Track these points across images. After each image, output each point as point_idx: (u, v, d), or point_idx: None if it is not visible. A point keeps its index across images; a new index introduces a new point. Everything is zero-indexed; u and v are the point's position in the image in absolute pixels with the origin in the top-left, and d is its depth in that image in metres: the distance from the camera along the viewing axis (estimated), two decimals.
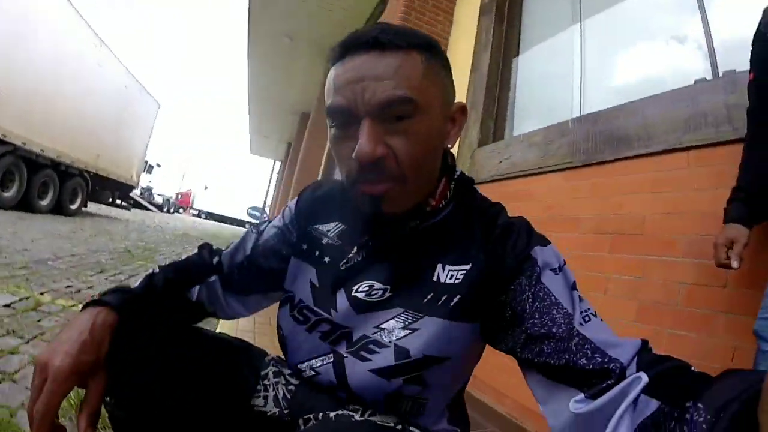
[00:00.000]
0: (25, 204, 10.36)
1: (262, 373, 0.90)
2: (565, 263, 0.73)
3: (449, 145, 0.80)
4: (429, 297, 0.75)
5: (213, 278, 0.97)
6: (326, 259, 0.86)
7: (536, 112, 3.06)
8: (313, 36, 8.87)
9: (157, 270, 0.96)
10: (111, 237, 9.39)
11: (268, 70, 11.51)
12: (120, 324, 0.79)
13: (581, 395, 0.59)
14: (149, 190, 31.95)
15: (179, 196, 47.02)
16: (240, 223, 47.09)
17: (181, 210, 45.75)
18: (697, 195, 1.58)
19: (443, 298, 0.74)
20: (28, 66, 9.45)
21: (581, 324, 0.63)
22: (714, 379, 0.51)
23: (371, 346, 0.76)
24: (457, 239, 0.78)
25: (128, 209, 18.59)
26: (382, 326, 0.76)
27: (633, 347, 0.60)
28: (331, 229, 0.89)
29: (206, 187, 51.48)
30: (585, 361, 0.60)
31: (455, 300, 0.73)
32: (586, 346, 0.61)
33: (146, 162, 19.52)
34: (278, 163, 25.98)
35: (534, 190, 2.30)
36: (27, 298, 3.53)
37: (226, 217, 47.71)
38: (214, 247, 1.06)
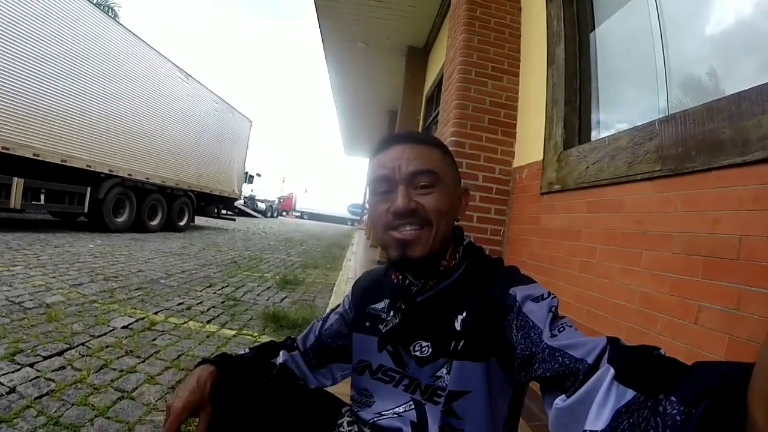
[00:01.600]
0: (138, 225, 11.60)
1: (338, 421, 1.11)
2: (549, 295, 0.86)
3: (459, 218, 1.04)
4: (453, 344, 0.93)
5: (294, 352, 1.24)
6: (382, 327, 1.09)
7: (621, 103, 2.84)
8: (387, 36, 8.92)
9: (247, 349, 1.22)
10: (218, 249, 9.95)
11: (349, 76, 11.74)
12: (219, 375, 1.04)
13: (563, 395, 0.67)
14: (252, 198, 33.33)
15: (281, 200, 48.78)
16: (342, 220, 48.33)
17: (284, 213, 47.49)
18: None
19: (460, 343, 0.92)
20: (127, 107, 10.51)
21: (552, 336, 0.75)
22: (685, 369, 0.56)
23: (438, 392, 0.94)
24: (465, 293, 0.97)
25: (233, 219, 19.59)
26: (437, 374, 0.95)
27: (600, 343, 0.68)
28: (383, 305, 1.12)
29: (306, 190, 53.17)
30: (557, 366, 0.70)
31: (462, 343, 0.92)
32: (556, 354, 0.72)
33: (246, 173, 20.53)
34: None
35: (624, 200, 2.11)
36: (143, 318, 3.79)
37: (328, 215, 49.05)
38: (291, 337, 1.32)
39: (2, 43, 7.60)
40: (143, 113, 11.22)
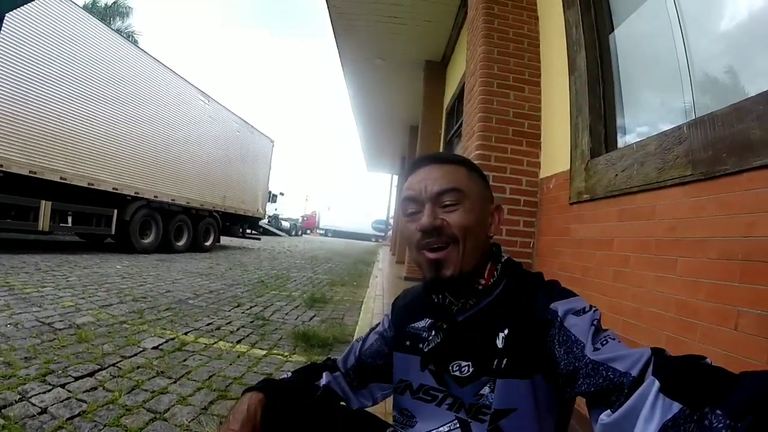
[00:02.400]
0: (164, 246, 11.88)
1: None
2: (591, 308, 0.87)
3: (491, 234, 1.05)
4: (496, 362, 0.93)
5: (336, 374, 1.24)
6: (424, 347, 1.10)
7: (645, 107, 2.80)
8: (404, 52, 9.01)
9: (290, 373, 1.23)
10: (245, 268, 10.05)
11: (368, 92, 11.87)
12: (267, 402, 1.03)
13: (608, 411, 0.67)
14: (276, 217, 33.69)
15: (305, 218, 49.16)
16: (366, 237, 48.40)
17: (308, 231, 47.82)
18: None
19: (503, 361, 0.92)
20: (151, 130, 10.92)
21: (595, 350, 0.75)
22: (732, 379, 0.56)
23: (483, 410, 0.94)
24: (506, 310, 0.97)
25: (258, 238, 19.83)
26: (480, 393, 0.95)
27: (644, 355, 0.68)
28: (425, 324, 1.13)
29: (329, 208, 53.45)
30: (601, 381, 0.70)
31: (505, 362, 0.91)
32: (600, 368, 0.72)
33: (270, 193, 20.79)
34: (395, 177, 26.64)
35: (656, 207, 2.07)
36: (173, 339, 3.84)
37: (352, 232, 49.15)
38: (331, 357, 1.35)
39: (30, 67, 7.88)
40: (167, 136, 11.54)
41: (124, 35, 12.55)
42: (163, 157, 11.47)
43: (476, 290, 1.03)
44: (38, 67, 7.99)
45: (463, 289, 1.02)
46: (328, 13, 7.69)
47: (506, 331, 0.94)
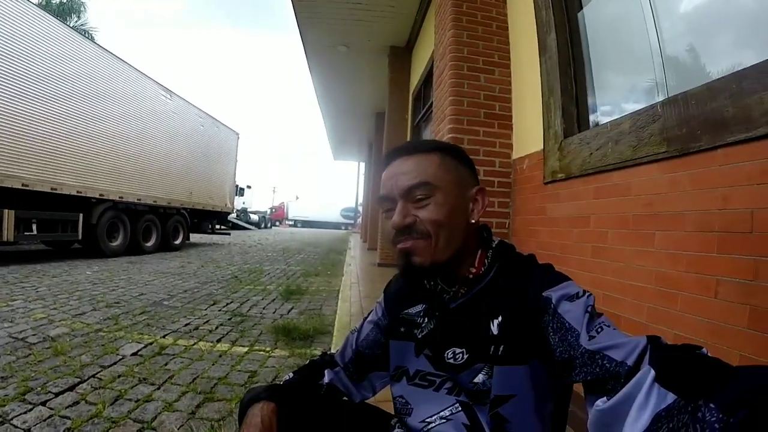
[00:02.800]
0: (133, 248, 11.63)
1: None
2: (585, 293, 0.86)
3: (473, 220, 1.00)
4: (492, 349, 0.93)
5: (337, 369, 1.23)
6: (418, 333, 1.09)
7: (620, 89, 2.85)
8: (368, 38, 8.97)
9: (291, 374, 1.21)
10: (217, 265, 9.99)
11: (332, 80, 11.79)
12: (280, 409, 1.01)
13: (604, 398, 0.68)
14: (244, 210, 33.34)
15: (273, 210, 48.81)
16: (336, 225, 48.34)
17: (277, 223, 47.47)
18: None
19: (499, 348, 0.91)
20: (113, 128, 10.60)
21: (591, 338, 0.75)
22: (728, 372, 0.56)
23: (482, 396, 0.94)
24: (499, 296, 0.96)
25: (228, 233, 19.67)
26: (475, 381, 0.95)
27: (640, 343, 0.68)
28: (419, 310, 1.11)
29: (297, 197, 53.16)
30: (597, 370, 0.71)
31: (502, 348, 0.91)
32: (596, 357, 0.72)
33: (237, 186, 20.56)
34: (362, 164, 26.63)
35: (632, 184, 2.13)
36: (151, 343, 3.77)
37: (322, 222, 49.05)
38: (327, 352, 1.34)
39: None
40: (129, 134, 11.25)
41: (80, 32, 12.13)
42: (126, 156, 11.19)
43: (467, 279, 1.01)
44: None
45: (451, 277, 1.01)
46: (291, 2, 7.60)
47: (500, 318, 0.93)
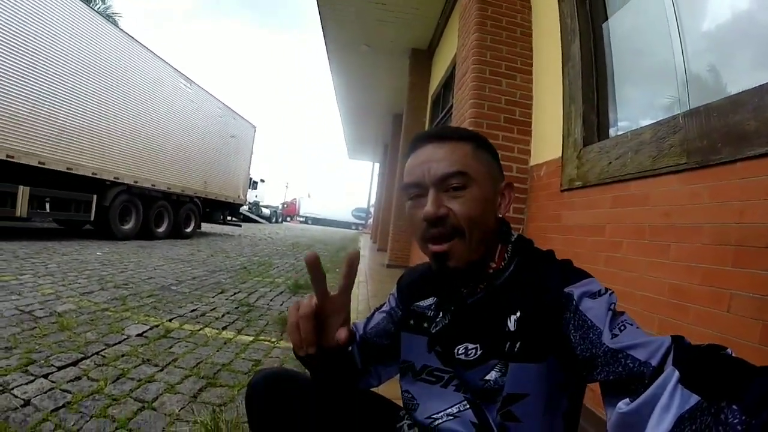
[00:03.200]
0: (144, 233, 11.71)
1: (398, 425, 1.11)
2: (607, 291, 0.83)
3: (500, 215, 0.98)
4: (507, 346, 0.88)
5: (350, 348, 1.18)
6: (432, 328, 1.05)
7: (641, 101, 2.85)
8: (390, 39, 9.01)
9: None
10: (227, 255, 10.03)
11: (352, 79, 11.83)
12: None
13: (627, 399, 0.65)
14: (257, 204, 33.46)
15: (285, 205, 48.93)
16: (346, 225, 48.43)
17: (288, 219, 47.63)
18: None
19: (514, 345, 0.87)
20: (132, 114, 10.69)
21: (613, 336, 0.72)
22: (752, 373, 0.55)
23: (493, 394, 0.90)
24: (518, 292, 0.92)
25: (239, 225, 19.74)
26: (486, 378, 0.91)
27: (664, 343, 0.66)
28: (430, 303, 1.09)
29: (309, 195, 53.25)
30: (620, 369, 0.68)
31: (518, 346, 0.87)
32: (619, 356, 0.69)
33: (251, 179, 20.65)
34: (377, 165, 26.65)
35: (650, 194, 2.13)
36: (157, 326, 3.79)
37: (332, 220, 49.09)
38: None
39: (5, 47, 7.64)
40: (148, 120, 11.35)
41: (104, 16, 12.24)
42: (143, 141, 11.27)
43: (487, 274, 0.97)
44: (14, 47, 7.74)
45: (470, 276, 0.98)
46: (315, 0, 7.64)
47: (518, 314, 0.89)
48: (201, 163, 14.30)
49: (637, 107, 2.84)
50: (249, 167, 18.64)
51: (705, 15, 2.29)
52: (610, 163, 2.48)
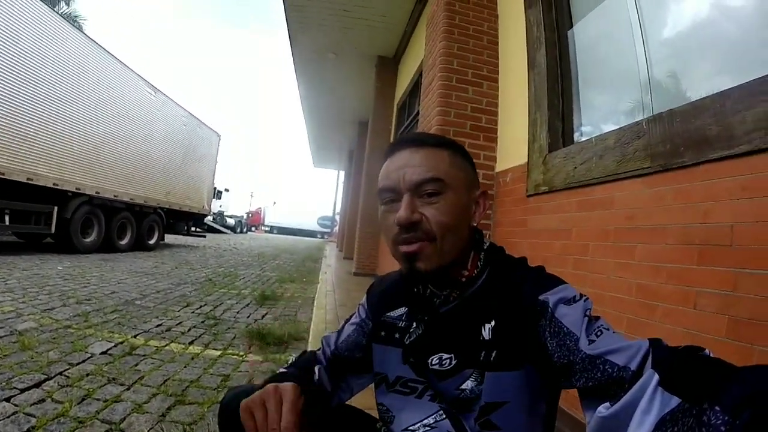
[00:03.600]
0: (107, 245, 11.35)
1: None
2: (582, 296, 0.84)
3: (474, 224, 0.99)
4: (483, 355, 0.89)
5: (320, 366, 1.15)
6: (405, 339, 1.04)
7: (605, 107, 2.92)
8: (357, 47, 9.05)
9: (287, 367, 1.13)
10: (191, 267, 9.82)
11: (318, 86, 11.81)
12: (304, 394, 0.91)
13: (607, 403, 0.65)
14: (221, 214, 33.04)
15: (250, 215, 48.46)
16: (311, 234, 48.19)
17: (253, 228, 47.16)
18: None
19: (490, 354, 0.88)
20: (94, 122, 10.38)
21: (590, 342, 0.73)
22: (731, 373, 0.55)
23: (469, 403, 0.90)
24: (491, 300, 0.92)
25: (203, 236, 19.32)
26: (462, 387, 0.91)
27: (642, 347, 0.67)
28: (400, 313, 1.09)
29: (275, 203, 52.85)
30: (599, 375, 0.68)
31: (494, 354, 0.87)
32: (597, 362, 0.70)
33: (215, 189, 20.35)
34: (342, 172, 26.64)
35: (614, 197, 2.19)
36: (122, 343, 3.66)
37: (298, 229, 48.81)
38: (307, 351, 1.26)
39: None
40: (111, 128, 11.05)
41: (69, 20, 11.93)
42: (105, 150, 10.95)
43: (459, 282, 0.97)
44: None
45: (445, 281, 0.97)
46: (283, 6, 7.61)
47: (493, 323, 0.90)
48: (164, 173, 13.99)
49: (602, 113, 2.91)
50: (213, 176, 18.33)
51: (667, 23, 2.37)
52: (576, 168, 2.53)
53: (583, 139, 2.74)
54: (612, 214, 2.20)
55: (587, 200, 2.43)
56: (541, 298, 0.84)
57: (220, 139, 18.45)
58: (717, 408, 0.50)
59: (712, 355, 0.62)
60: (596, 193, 2.35)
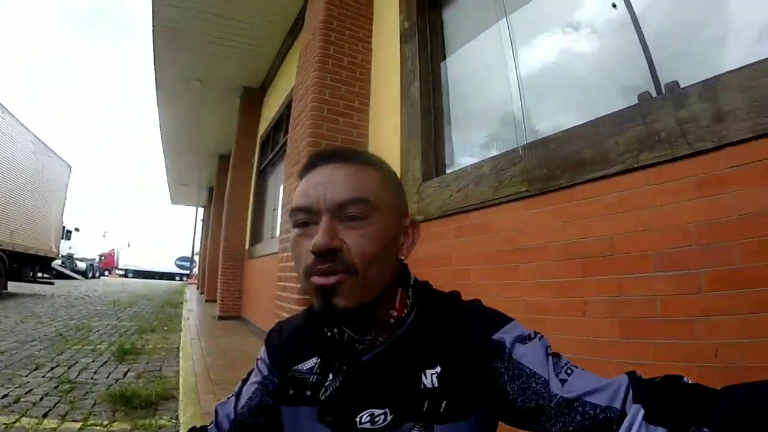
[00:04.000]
0: None
1: None
2: (536, 334, 0.77)
3: (402, 257, 0.85)
4: (426, 405, 0.77)
5: None
6: (321, 394, 0.87)
7: (479, 138, 3.05)
8: (223, 76, 8.90)
9: None
10: (39, 320, 8.81)
11: (180, 116, 11.37)
12: None
13: None
14: (70, 257, 29.95)
15: (102, 257, 44.86)
16: (170, 276, 45.66)
17: (106, 272, 43.71)
18: (660, 211, 1.59)
19: (438, 404, 0.76)
20: None
21: (563, 383, 0.68)
22: (713, 395, 0.56)
23: None
24: (427, 343, 0.81)
25: (51, 283, 17.23)
26: None
27: (622, 383, 0.64)
28: (312, 366, 0.91)
29: (129, 245, 49.42)
30: (580, 419, 0.64)
31: (443, 404, 0.76)
32: (575, 405, 0.65)
33: (64, 228, 18.49)
34: (201, 210, 25.65)
35: (492, 222, 2.27)
36: None
37: (155, 272, 45.96)
38: (198, 426, 1.03)
39: None
40: None
41: None
42: None
43: (387, 323, 0.82)
44: None
45: (367, 323, 0.82)
46: (151, 27, 7.18)
47: (438, 369, 0.78)
48: (7, 209, 12.13)
49: (476, 142, 3.04)
50: (62, 214, 16.63)
51: (539, 57, 2.55)
52: (451, 195, 2.60)
53: (457, 168, 2.82)
54: (491, 238, 2.27)
55: (465, 226, 2.49)
56: (495, 337, 0.75)
57: (71, 171, 16.86)
58: (705, 429, 0.51)
59: (690, 381, 0.62)
60: (474, 218, 2.43)
